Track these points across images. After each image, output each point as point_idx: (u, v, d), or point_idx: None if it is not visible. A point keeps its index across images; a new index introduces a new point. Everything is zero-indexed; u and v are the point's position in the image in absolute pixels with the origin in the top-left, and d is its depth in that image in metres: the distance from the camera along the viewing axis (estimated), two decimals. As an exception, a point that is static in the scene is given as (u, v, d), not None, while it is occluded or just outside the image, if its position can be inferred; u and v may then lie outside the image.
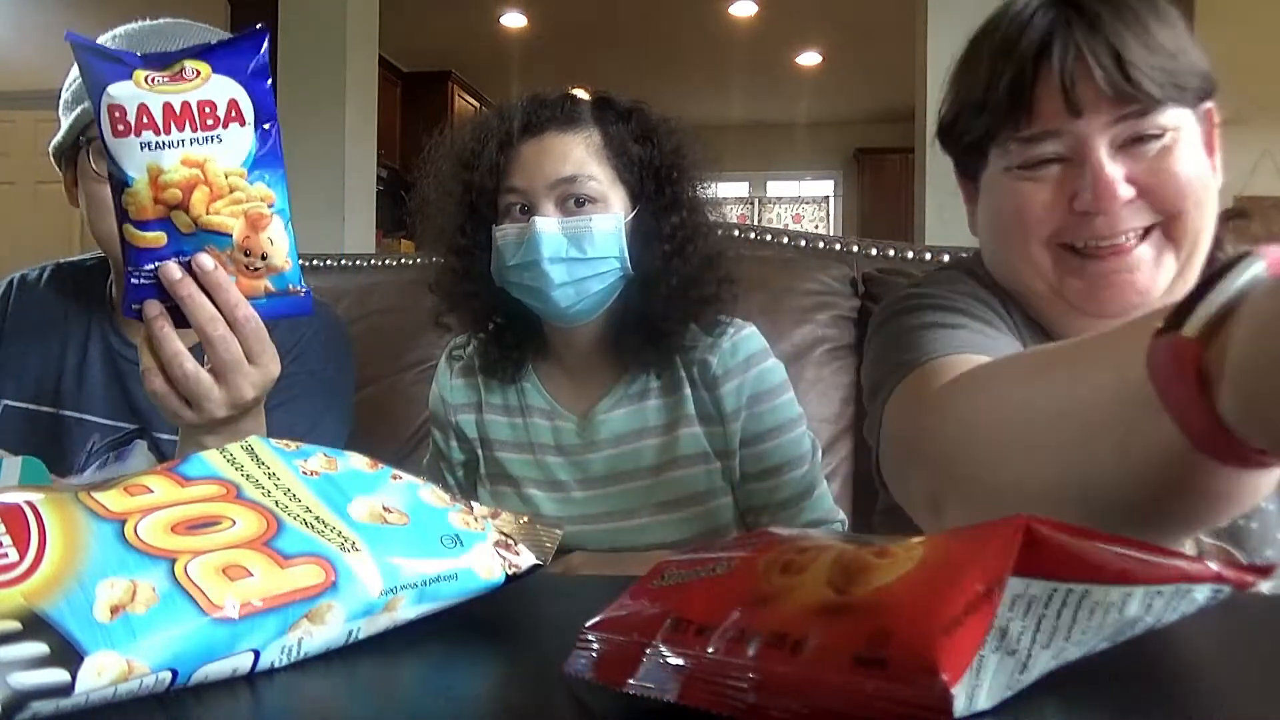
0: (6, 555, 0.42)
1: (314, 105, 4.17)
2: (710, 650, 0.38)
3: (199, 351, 0.75)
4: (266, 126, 0.70)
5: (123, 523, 0.46)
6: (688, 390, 1.18)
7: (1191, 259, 0.78)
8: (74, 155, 1.05)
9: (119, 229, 0.71)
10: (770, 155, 8.92)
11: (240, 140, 0.69)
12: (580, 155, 1.12)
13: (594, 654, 0.42)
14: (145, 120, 0.67)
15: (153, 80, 0.68)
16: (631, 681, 0.39)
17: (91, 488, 0.49)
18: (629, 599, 0.45)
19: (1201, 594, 0.38)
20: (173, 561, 0.44)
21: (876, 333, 0.89)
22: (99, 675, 0.39)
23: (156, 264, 0.70)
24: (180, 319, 0.73)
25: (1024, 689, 0.36)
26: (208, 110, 0.68)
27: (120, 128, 0.68)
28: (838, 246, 1.68)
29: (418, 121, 6.53)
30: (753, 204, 9.43)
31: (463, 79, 7.13)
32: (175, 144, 0.68)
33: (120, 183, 0.69)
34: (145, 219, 0.69)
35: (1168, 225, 0.77)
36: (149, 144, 0.68)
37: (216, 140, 0.69)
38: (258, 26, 0.71)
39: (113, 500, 0.48)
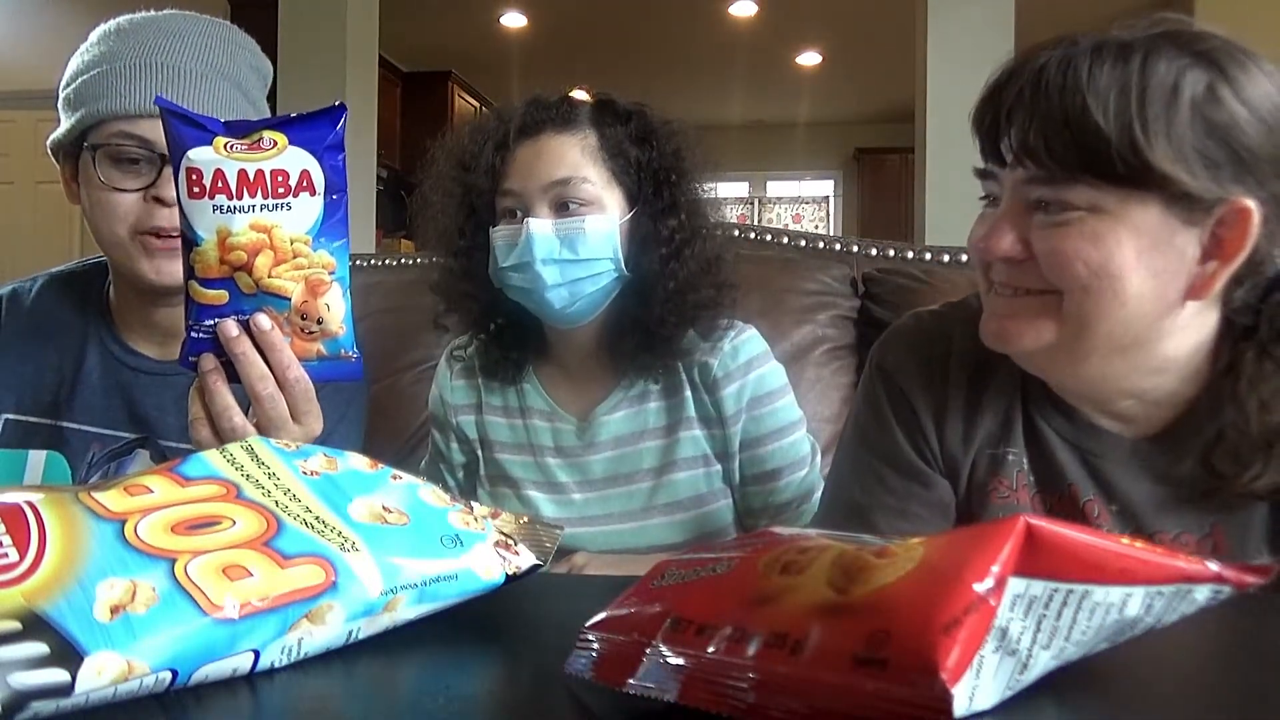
0: (6, 555, 0.42)
1: (314, 105, 4.13)
2: (710, 650, 0.38)
3: (243, 402, 0.77)
4: (335, 197, 0.73)
5: (123, 523, 0.46)
6: (688, 393, 1.18)
7: (1083, 341, 0.76)
8: (75, 153, 1.05)
9: (185, 284, 0.74)
10: (770, 155, 8.91)
11: (309, 209, 0.72)
12: (575, 157, 1.12)
13: (594, 654, 0.42)
14: (220, 185, 0.70)
15: (231, 147, 0.71)
16: (631, 681, 0.39)
17: (91, 488, 0.49)
18: (629, 599, 0.45)
19: (1201, 594, 0.38)
20: (173, 561, 0.44)
21: (863, 379, 0.96)
22: (99, 675, 0.39)
23: (216, 320, 0.73)
24: (233, 374, 0.75)
25: (1024, 689, 0.36)
26: (280, 179, 0.71)
27: (195, 190, 0.71)
28: (838, 246, 1.68)
29: (418, 121, 6.52)
30: (753, 204, 9.42)
31: (463, 79, 7.12)
32: (246, 209, 0.71)
33: (190, 241, 0.72)
34: (210, 277, 0.72)
35: (1057, 298, 0.76)
36: (221, 207, 0.71)
37: (286, 208, 0.72)
38: (337, 104, 0.74)
39: (113, 500, 0.48)
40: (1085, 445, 0.84)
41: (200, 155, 0.70)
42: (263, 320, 0.73)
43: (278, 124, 0.72)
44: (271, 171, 0.71)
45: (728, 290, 1.19)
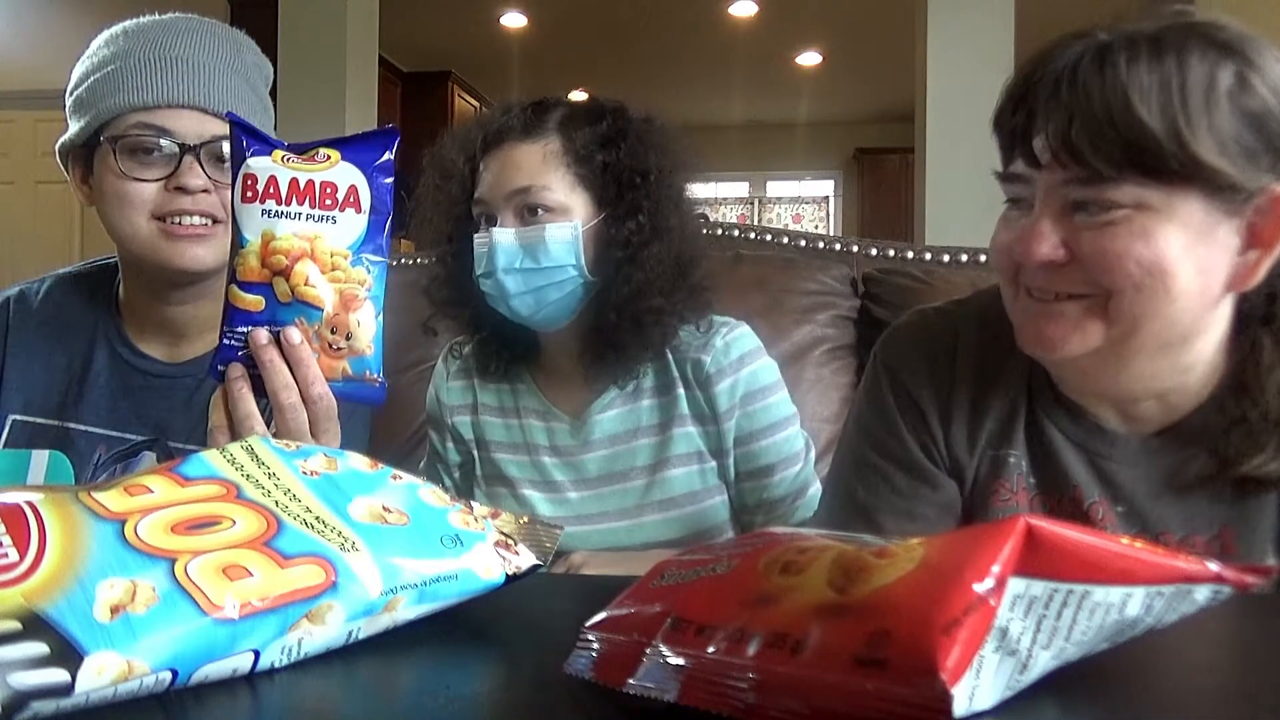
0: (6, 555, 0.42)
1: (314, 105, 4.17)
2: (710, 650, 0.38)
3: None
4: (379, 218, 0.75)
5: (123, 523, 0.46)
6: (681, 390, 1.18)
7: (1131, 341, 0.75)
8: (86, 154, 1.05)
9: (225, 288, 0.76)
10: (770, 155, 8.90)
11: (353, 225, 0.74)
12: (535, 165, 1.12)
13: (594, 654, 0.42)
14: (271, 190, 0.73)
15: (288, 159, 0.74)
16: (631, 681, 0.39)
17: (92, 488, 0.49)
18: (629, 599, 0.45)
19: (1201, 594, 0.38)
20: (173, 561, 0.44)
21: (867, 376, 0.96)
22: (99, 675, 0.39)
23: (248, 328, 0.75)
24: (258, 388, 0.76)
25: (1024, 689, 0.36)
26: (329, 191, 0.73)
27: (249, 194, 0.73)
28: (838, 246, 1.68)
29: (418, 121, 6.51)
30: (753, 204, 9.41)
31: (463, 79, 7.12)
32: (292, 215, 0.73)
33: (236, 244, 0.75)
34: (249, 280, 0.74)
35: (1103, 299, 0.75)
36: (269, 211, 0.73)
37: (331, 221, 0.74)
38: (389, 126, 0.77)
39: (113, 500, 0.48)
40: (1092, 446, 0.84)
41: (258, 163, 0.73)
42: (293, 334, 0.74)
43: (333, 141, 0.75)
44: (321, 183, 0.73)
45: (698, 294, 1.18)
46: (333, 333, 0.75)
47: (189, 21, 1.08)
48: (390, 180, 0.75)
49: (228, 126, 1.01)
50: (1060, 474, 0.84)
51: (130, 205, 1.01)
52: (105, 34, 1.08)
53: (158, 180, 1.01)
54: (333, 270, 0.74)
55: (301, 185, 0.73)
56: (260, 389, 0.76)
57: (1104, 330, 0.75)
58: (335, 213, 0.74)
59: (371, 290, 0.75)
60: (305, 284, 0.73)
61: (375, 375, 0.77)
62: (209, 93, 1.03)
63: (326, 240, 0.74)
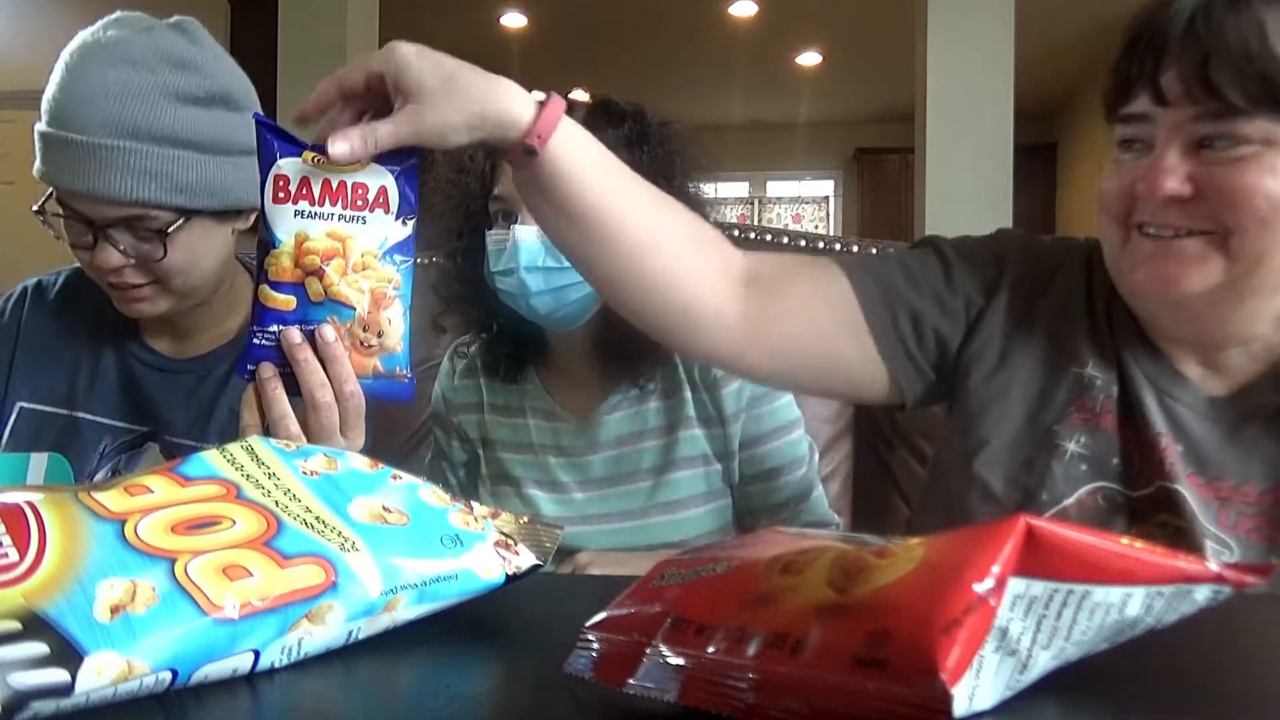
0: (6, 555, 0.42)
1: (314, 105, 4.17)
2: (710, 650, 0.38)
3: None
4: (406, 220, 0.77)
5: (123, 523, 0.46)
6: (688, 392, 1.18)
7: (1252, 279, 0.76)
8: None
9: (255, 289, 0.76)
10: (770, 155, 8.89)
11: (382, 226, 0.76)
12: None
13: (594, 654, 0.42)
14: (304, 191, 0.74)
15: (319, 161, 0.74)
16: (631, 681, 0.39)
17: (92, 488, 0.49)
18: (629, 599, 0.45)
19: (1201, 594, 0.38)
20: (173, 561, 0.44)
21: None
22: (99, 675, 0.39)
23: (279, 327, 0.76)
24: (290, 386, 0.77)
25: (1024, 689, 0.36)
26: (360, 192, 0.75)
27: (281, 195, 0.74)
28: (838, 246, 1.68)
29: (418, 121, 6.50)
30: (753, 204, 9.41)
31: (463, 79, 7.13)
32: (325, 216, 0.75)
33: (268, 244, 0.75)
34: (282, 280, 0.75)
35: (1225, 238, 0.75)
36: (302, 212, 0.74)
37: (361, 221, 0.75)
38: None
39: (113, 500, 0.48)
40: (1164, 387, 0.84)
41: (289, 164, 0.74)
42: (328, 332, 0.75)
43: None
44: (352, 184, 0.75)
45: None
46: (365, 330, 0.76)
47: (125, 49, 0.98)
48: (416, 182, 0.77)
49: (135, 206, 0.96)
50: (1136, 406, 0.85)
51: (80, 261, 1.03)
52: (64, 53, 1.01)
53: (84, 250, 1.00)
54: (364, 270, 0.75)
55: (334, 186, 0.74)
56: (291, 385, 0.76)
57: (1225, 267, 0.76)
58: (365, 213, 0.75)
59: (400, 289, 0.77)
60: (338, 284, 0.75)
61: (405, 371, 0.79)
62: (108, 180, 0.96)
63: (357, 240, 0.75)
